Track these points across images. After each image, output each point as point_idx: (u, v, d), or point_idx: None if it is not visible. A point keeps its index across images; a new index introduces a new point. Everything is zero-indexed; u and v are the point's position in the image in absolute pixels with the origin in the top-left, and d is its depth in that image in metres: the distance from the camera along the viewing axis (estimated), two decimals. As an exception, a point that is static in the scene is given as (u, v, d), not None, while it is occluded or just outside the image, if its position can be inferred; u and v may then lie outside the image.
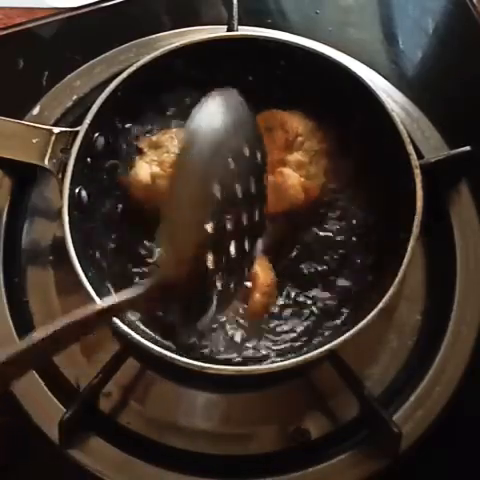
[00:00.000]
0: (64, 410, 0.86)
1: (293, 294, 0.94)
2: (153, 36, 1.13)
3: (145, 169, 0.95)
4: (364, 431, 0.91)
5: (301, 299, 0.94)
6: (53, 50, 1.15)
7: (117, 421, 0.92)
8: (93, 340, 0.96)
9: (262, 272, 0.92)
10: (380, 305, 0.82)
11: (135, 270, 0.95)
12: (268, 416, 0.93)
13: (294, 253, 0.96)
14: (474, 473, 0.92)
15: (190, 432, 0.92)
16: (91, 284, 0.83)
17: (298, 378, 0.94)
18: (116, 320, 0.81)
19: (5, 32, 1.15)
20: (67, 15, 1.17)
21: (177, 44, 0.97)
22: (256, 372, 0.82)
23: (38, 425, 0.88)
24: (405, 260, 0.84)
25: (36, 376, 0.91)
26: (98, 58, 1.11)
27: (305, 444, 0.91)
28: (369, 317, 0.81)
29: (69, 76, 1.09)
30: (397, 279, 0.83)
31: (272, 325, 0.93)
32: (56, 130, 0.93)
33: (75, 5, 1.18)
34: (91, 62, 1.11)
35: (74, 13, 1.17)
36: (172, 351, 0.81)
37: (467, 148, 0.99)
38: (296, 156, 0.96)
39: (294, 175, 0.95)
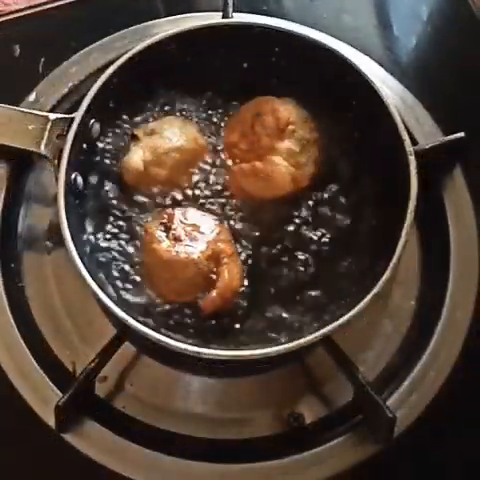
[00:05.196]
0: (60, 395, 0.87)
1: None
2: (148, 23, 1.13)
3: (138, 155, 0.95)
4: (358, 416, 0.91)
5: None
6: (49, 37, 1.15)
7: (113, 405, 0.93)
8: (89, 325, 0.96)
9: (230, 274, 0.89)
10: (374, 290, 0.82)
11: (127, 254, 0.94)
12: (263, 401, 0.94)
13: (284, 239, 0.95)
14: (468, 457, 0.93)
15: (185, 416, 0.93)
16: (86, 269, 0.83)
17: (293, 363, 0.95)
18: (113, 306, 0.82)
19: (2, 19, 1.15)
20: (63, 2, 1.17)
21: (172, 31, 0.97)
22: (251, 357, 0.81)
23: (34, 409, 0.89)
24: (399, 246, 0.84)
25: (32, 360, 0.91)
26: (94, 45, 1.11)
27: (300, 428, 0.92)
28: (363, 302, 0.81)
29: (65, 63, 1.09)
30: (391, 264, 0.83)
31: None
32: (52, 116, 0.93)
33: (71, -8, 1.18)
34: (87, 49, 1.10)
35: (70, 0, 1.17)
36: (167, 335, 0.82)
37: (461, 134, 1.00)
38: (287, 144, 0.95)
39: (283, 164, 0.94)
